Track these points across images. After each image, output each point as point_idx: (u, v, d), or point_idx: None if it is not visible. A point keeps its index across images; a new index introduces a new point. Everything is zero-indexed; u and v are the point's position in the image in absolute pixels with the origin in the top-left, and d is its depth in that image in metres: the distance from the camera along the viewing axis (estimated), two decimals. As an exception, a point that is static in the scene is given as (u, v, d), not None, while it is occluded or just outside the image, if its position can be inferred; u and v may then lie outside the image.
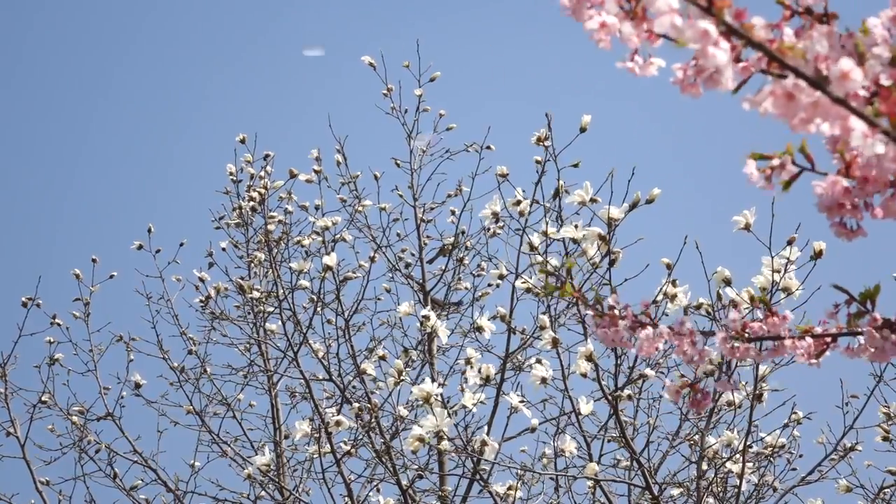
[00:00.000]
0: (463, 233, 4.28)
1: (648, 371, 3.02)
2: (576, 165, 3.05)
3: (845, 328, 0.96)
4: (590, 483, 3.17)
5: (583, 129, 3.00)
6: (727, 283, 2.58)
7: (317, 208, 4.05)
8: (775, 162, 0.87)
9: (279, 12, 9.07)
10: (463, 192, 4.33)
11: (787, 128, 0.82)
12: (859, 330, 0.95)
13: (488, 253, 4.10)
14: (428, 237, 4.37)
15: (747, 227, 2.55)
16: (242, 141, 4.41)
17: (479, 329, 3.22)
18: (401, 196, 4.38)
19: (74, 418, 4.00)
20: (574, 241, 2.71)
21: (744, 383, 2.94)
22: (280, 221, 4.24)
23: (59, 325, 4.13)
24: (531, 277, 3.00)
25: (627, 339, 0.97)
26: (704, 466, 3.11)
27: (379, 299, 4.14)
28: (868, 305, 0.95)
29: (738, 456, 3.05)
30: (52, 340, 4.11)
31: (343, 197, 4.28)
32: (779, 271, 2.55)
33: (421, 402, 2.53)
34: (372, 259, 3.76)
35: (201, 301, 4.36)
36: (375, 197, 4.29)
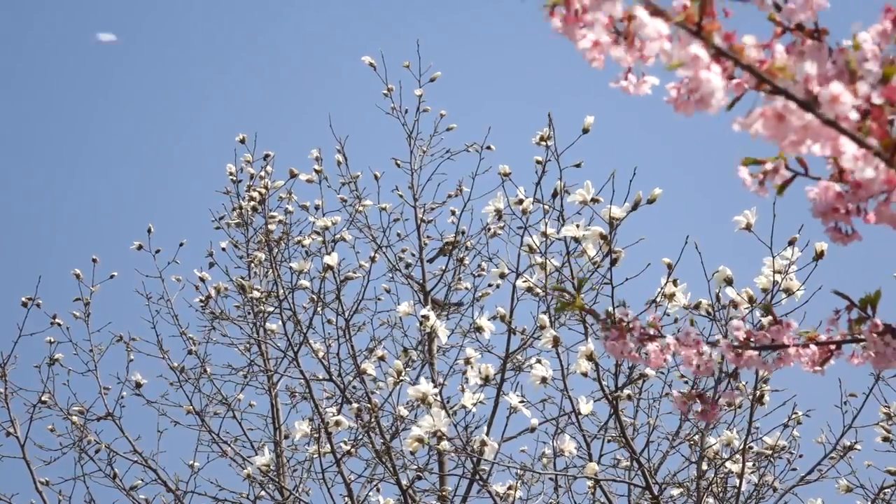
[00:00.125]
0: (463, 233, 4.28)
1: (648, 371, 3.02)
2: (578, 165, 3.05)
3: (847, 334, 0.96)
4: (590, 483, 3.16)
5: (585, 130, 3.00)
6: (728, 282, 2.57)
7: (317, 208, 4.04)
8: (768, 167, 0.87)
9: (279, 12, 9.06)
10: (463, 193, 4.32)
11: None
12: (862, 337, 0.95)
13: (489, 253, 4.11)
14: (428, 237, 4.37)
15: (748, 228, 2.54)
16: (242, 141, 4.41)
17: (479, 329, 3.22)
18: (401, 196, 4.38)
19: (74, 418, 4.00)
20: (575, 240, 2.71)
21: (744, 383, 2.94)
22: (280, 221, 4.23)
23: (59, 325, 4.13)
24: (532, 277, 3.00)
25: (635, 351, 0.97)
26: (704, 466, 3.11)
27: (379, 299, 4.15)
28: (869, 311, 0.95)
29: (738, 456, 3.05)
30: (52, 340, 4.11)
31: (343, 197, 4.28)
32: (780, 272, 2.54)
33: (419, 403, 2.54)
34: (372, 259, 3.76)
35: (201, 301, 4.36)
36: (376, 197, 4.29)
